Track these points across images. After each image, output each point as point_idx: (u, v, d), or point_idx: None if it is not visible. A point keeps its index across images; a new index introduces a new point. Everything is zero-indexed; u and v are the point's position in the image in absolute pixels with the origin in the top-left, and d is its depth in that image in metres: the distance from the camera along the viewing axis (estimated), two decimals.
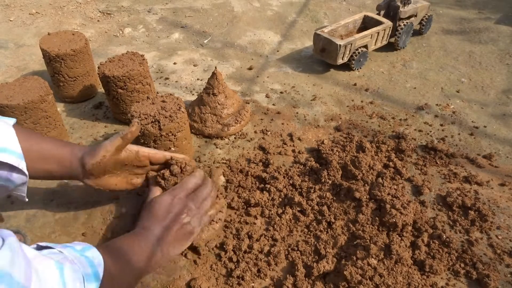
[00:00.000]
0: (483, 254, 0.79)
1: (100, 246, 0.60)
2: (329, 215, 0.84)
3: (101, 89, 1.25)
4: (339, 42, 1.25)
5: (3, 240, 0.39)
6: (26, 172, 0.68)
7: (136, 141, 0.89)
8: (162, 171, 0.79)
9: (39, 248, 0.53)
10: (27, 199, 0.73)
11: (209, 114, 1.06)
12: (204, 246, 0.79)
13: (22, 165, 0.67)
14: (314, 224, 0.83)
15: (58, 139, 0.76)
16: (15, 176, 0.67)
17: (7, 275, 0.36)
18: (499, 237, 0.82)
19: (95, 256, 0.56)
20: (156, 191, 0.77)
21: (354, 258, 0.75)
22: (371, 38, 1.33)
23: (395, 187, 0.89)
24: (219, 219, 0.83)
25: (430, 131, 1.11)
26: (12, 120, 0.70)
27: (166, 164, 0.81)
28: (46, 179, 0.78)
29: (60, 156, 0.72)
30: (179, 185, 0.77)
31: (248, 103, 1.21)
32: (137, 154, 0.78)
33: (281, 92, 1.26)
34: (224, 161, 1.00)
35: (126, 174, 0.80)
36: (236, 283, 0.73)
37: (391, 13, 1.41)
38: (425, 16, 1.51)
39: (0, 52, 1.45)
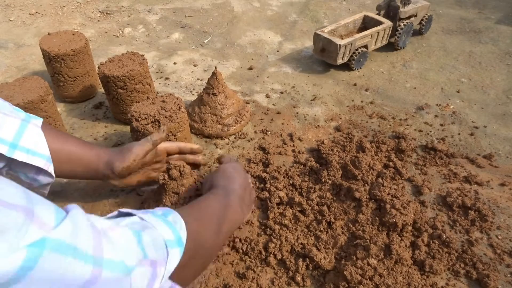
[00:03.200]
0: (483, 254, 0.79)
1: (182, 209, 0.58)
2: (329, 215, 0.84)
3: (101, 89, 1.25)
4: (339, 42, 1.25)
5: (67, 213, 0.37)
6: (54, 175, 0.71)
7: (136, 141, 0.89)
8: (160, 175, 0.79)
9: (120, 214, 0.51)
10: (46, 193, 0.76)
11: (209, 114, 1.06)
12: None
13: (51, 169, 0.70)
14: (314, 224, 0.83)
15: (84, 141, 0.79)
16: (42, 177, 0.70)
17: (70, 247, 0.34)
18: (499, 237, 0.82)
19: (177, 220, 0.53)
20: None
21: (354, 258, 0.75)
22: (371, 38, 1.33)
23: (395, 187, 0.89)
24: None
25: (430, 131, 1.11)
26: (40, 120, 0.71)
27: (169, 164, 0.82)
28: (71, 178, 0.83)
29: (87, 159, 0.76)
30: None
31: (248, 103, 1.21)
32: (156, 151, 0.83)
33: (281, 92, 1.26)
34: None
35: (146, 170, 0.84)
36: (238, 281, 0.73)
37: (391, 13, 1.41)
38: (425, 16, 1.51)
39: (0, 52, 1.45)
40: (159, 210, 0.54)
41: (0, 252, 0.28)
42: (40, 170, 0.69)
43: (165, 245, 0.47)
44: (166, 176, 0.79)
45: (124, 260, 0.40)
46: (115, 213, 0.52)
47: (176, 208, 0.57)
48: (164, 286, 0.45)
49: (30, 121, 0.68)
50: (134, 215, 0.50)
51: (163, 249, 0.47)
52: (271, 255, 0.78)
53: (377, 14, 1.42)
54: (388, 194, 0.86)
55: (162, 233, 0.48)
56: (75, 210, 0.38)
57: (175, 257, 0.48)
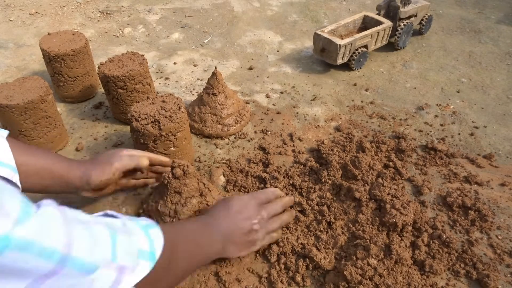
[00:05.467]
0: (483, 254, 0.79)
1: (166, 225, 0.57)
2: (329, 215, 0.84)
3: (101, 89, 1.25)
4: (339, 42, 1.25)
5: (38, 208, 0.37)
6: (19, 185, 0.67)
7: (136, 142, 0.89)
8: (164, 174, 0.79)
9: (106, 215, 0.51)
10: None
11: (209, 114, 1.06)
12: None
13: (16, 179, 0.66)
14: (314, 224, 0.83)
15: (54, 153, 0.76)
16: None
17: (30, 244, 0.34)
18: (499, 237, 0.82)
19: (157, 236, 0.52)
20: None
21: (354, 258, 0.75)
22: (371, 38, 1.33)
23: (395, 187, 0.89)
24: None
25: (430, 131, 1.11)
26: (5, 132, 0.68)
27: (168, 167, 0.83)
28: (42, 193, 0.75)
29: (57, 171, 0.72)
30: (257, 192, 0.80)
31: (248, 103, 1.21)
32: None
33: (281, 92, 1.26)
34: (224, 161, 1.00)
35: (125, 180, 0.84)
36: (236, 281, 0.73)
37: (391, 13, 1.41)
38: (425, 16, 1.51)
39: (0, 52, 1.45)
40: (143, 221, 0.54)
41: None
42: (7, 181, 0.65)
43: (137, 254, 0.47)
44: (170, 175, 0.78)
45: (91, 259, 0.40)
46: (101, 213, 0.51)
47: (160, 224, 0.56)
48: None
49: None
50: (119, 218, 0.50)
51: (134, 258, 0.46)
52: (272, 255, 0.78)
53: (377, 14, 1.42)
54: (388, 194, 0.86)
55: (139, 242, 0.48)
56: (47, 206, 0.38)
57: (144, 269, 0.48)
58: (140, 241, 0.49)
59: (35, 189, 0.72)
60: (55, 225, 0.37)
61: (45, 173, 0.71)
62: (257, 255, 0.79)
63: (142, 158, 0.80)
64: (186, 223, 0.68)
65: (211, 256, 0.68)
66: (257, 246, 0.75)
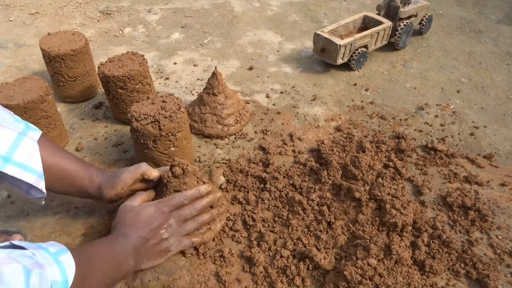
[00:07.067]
0: (483, 254, 0.79)
1: (75, 250, 0.58)
2: (329, 215, 0.84)
3: (101, 89, 1.25)
4: (339, 42, 1.25)
5: None
6: (44, 192, 0.70)
7: (136, 142, 0.89)
8: (163, 173, 0.79)
9: (13, 246, 0.51)
10: (43, 203, 0.74)
11: (209, 114, 1.06)
12: (204, 247, 0.79)
13: (41, 185, 0.68)
14: (314, 224, 0.83)
15: (79, 160, 0.78)
16: (34, 191, 0.70)
17: None
18: (499, 237, 0.82)
19: (69, 262, 0.54)
20: (137, 198, 0.78)
21: (354, 258, 0.75)
22: (371, 38, 1.33)
23: (395, 187, 0.89)
24: (220, 220, 0.83)
25: (430, 131, 1.11)
26: (38, 133, 0.70)
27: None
28: (62, 194, 0.80)
29: (79, 182, 0.76)
30: (165, 199, 0.78)
31: (248, 103, 1.20)
32: (143, 177, 0.81)
33: (281, 92, 1.26)
34: (224, 161, 1.00)
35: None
36: (235, 282, 0.73)
37: (391, 13, 1.41)
38: (425, 16, 1.51)
39: (0, 52, 1.45)
40: (52, 247, 0.54)
41: None
42: (31, 185, 0.68)
43: (50, 286, 0.48)
44: (170, 174, 0.78)
45: None
46: (7, 243, 0.51)
47: (70, 248, 0.57)
48: None
49: (26, 134, 0.67)
50: (27, 249, 0.50)
51: None
52: (272, 254, 0.78)
53: (377, 14, 1.42)
54: (388, 194, 0.86)
55: (51, 274, 0.50)
56: None
57: None
58: (53, 272, 0.50)
59: (57, 192, 0.77)
60: None
61: (69, 181, 0.75)
62: (257, 254, 0.79)
63: (150, 169, 0.80)
64: (96, 244, 0.68)
65: (124, 273, 0.68)
66: (172, 252, 0.76)
